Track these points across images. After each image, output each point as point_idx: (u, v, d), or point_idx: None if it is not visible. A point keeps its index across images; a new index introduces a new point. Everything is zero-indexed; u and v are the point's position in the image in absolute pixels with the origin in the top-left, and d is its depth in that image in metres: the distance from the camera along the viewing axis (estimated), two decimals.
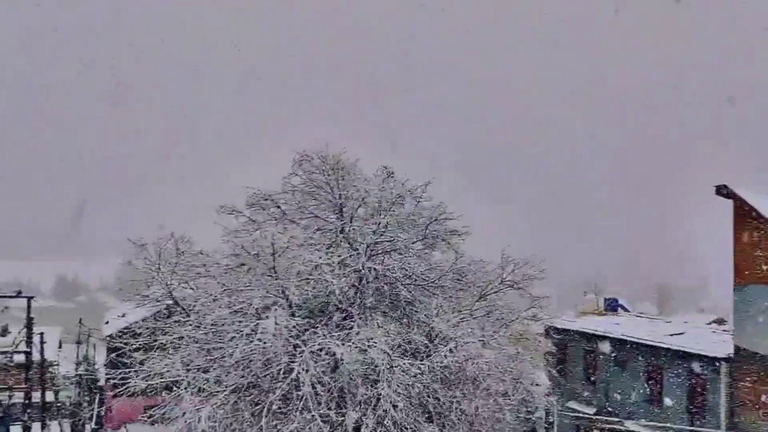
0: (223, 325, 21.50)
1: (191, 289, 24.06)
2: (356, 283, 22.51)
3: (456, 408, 21.73)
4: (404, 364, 20.39)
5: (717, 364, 30.48)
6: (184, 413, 20.19)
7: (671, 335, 35.49)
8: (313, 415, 19.41)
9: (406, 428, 20.19)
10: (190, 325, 22.51)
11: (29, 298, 26.98)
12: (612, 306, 47.85)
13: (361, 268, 21.86)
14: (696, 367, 31.90)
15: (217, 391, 20.64)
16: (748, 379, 27.31)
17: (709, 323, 50.27)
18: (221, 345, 21.41)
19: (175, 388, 21.46)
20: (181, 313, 23.61)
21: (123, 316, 30.95)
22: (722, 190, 28.65)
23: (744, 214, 27.97)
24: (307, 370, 19.55)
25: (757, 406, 26.44)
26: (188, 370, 21.62)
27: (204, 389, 20.98)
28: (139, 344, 23.82)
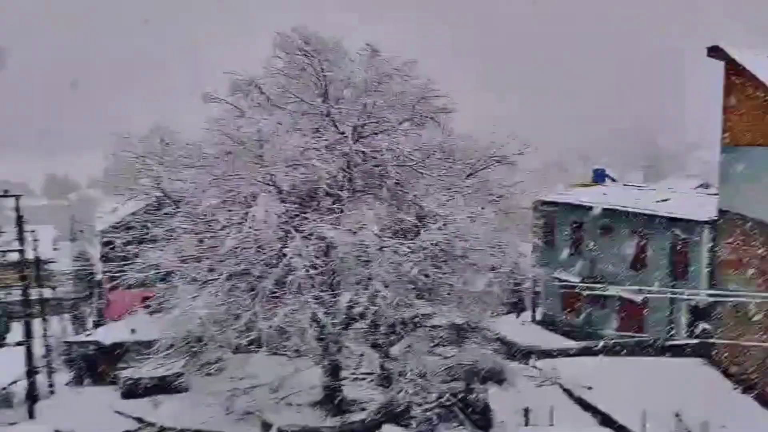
0: (213, 214, 21.60)
1: (179, 180, 23.97)
2: (344, 167, 22.43)
3: (445, 284, 22.33)
4: (394, 244, 20.73)
5: (699, 227, 31.20)
6: (181, 302, 20.67)
7: (656, 202, 36.06)
8: (306, 298, 19.94)
9: (398, 306, 20.81)
10: (181, 216, 22.63)
11: (17, 197, 26.83)
12: (599, 176, 48.29)
13: (348, 151, 21.71)
14: (679, 231, 32.65)
15: (212, 280, 21.04)
16: (730, 240, 28.01)
17: (696, 188, 51.03)
18: (213, 234, 21.61)
19: (170, 279, 21.88)
20: (171, 204, 23.67)
21: (114, 210, 30.97)
22: (714, 52, 28.10)
23: (735, 75, 27.61)
24: (299, 255, 19.88)
25: (738, 267, 27.30)
26: (182, 261, 21.95)
27: (198, 278, 21.37)
28: (132, 237, 24.06)
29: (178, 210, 22.96)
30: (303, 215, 21.27)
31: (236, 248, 20.84)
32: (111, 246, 26.65)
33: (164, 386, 27.85)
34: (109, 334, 31.50)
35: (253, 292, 20.99)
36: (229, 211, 21.11)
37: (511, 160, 25.68)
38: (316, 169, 21.47)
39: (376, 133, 22.80)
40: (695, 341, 30.99)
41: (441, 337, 25.78)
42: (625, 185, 48.00)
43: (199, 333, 21.36)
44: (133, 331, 30.55)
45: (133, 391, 28.18)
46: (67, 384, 31.39)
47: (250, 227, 19.85)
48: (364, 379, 27.39)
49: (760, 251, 26.13)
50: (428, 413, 23.40)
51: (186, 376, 24.66)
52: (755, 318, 26.04)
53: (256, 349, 20.66)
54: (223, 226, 21.10)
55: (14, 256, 28.47)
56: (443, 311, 23.42)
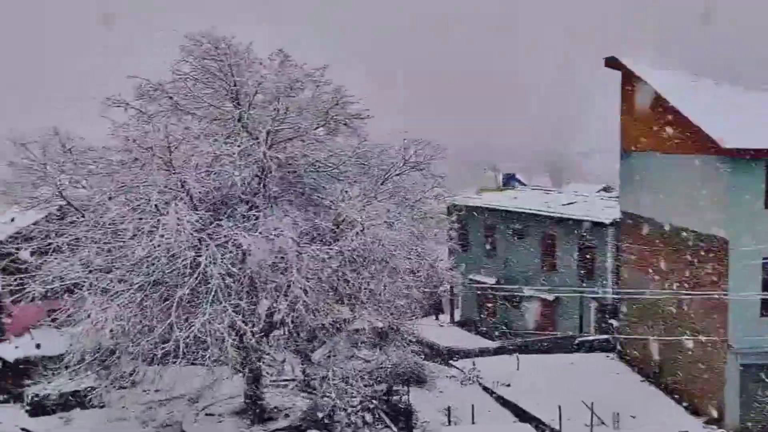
0: (122, 223, 20.78)
1: (83, 188, 22.91)
2: (259, 173, 22.12)
3: (365, 288, 22.37)
4: (312, 250, 20.59)
5: (604, 228, 32.66)
6: (89, 314, 19.78)
7: (564, 205, 37.50)
8: (224, 306, 19.50)
9: (318, 311, 20.68)
10: (86, 225, 21.66)
11: None
12: (509, 181, 49.79)
13: (262, 157, 21.41)
14: (585, 232, 34.06)
15: (122, 291, 20.24)
16: (632, 240, 29.46)
17: (598, 191, 53.40)
18: (121, 244, 20.81)
19: (77, 291, 20.90)
20: (75, 213, 22.59)
21: (12, 220, 29.30)
22: (611, 62, 29.56)
23: (631, 84, 29.12)
24: (214, 263, 19.42)
25: (640, 266, 28.73)
26: (89, 272, 21.02)
27: (108, 289, 20.51)
28: (33, 248, 22.82)
29: (83, 219, 21.96)
30: (217, 222, 20.80)
31: (147, 257, 20.14)
32: (10, 257, 25.12)
33: (76, 402, 26.68)
34: (12, 350, 29.87)
35: (167, 302, 20.32)
36: (139, 219, 20.34)
37: (424, 166, 26.05)
38: (229, 176, 21.08)
39: (290, 139, 22.60)
40: (604, 337, 32.37)
41: (362, 341, 25.82)
42: (533, 189, 49.66)
43: (111, 345, 20.51)
44: (38, 345, 29.09)
45: (41, 408, 26.79)
46: None
47: (161, 236, 19.21)
48: (286, 385, 27.09)
49: (657, 250, 27.61)
50: (352, 417, 23.37)
51: (99, 390, 23.60)
52: (656, 313, 27.48)
53: (173, 360, 19.96)
54: (132, 235, 20.32)
55: None
56: (363, 315, 23.44)
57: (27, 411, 27.12)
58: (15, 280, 22.57)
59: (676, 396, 26.21)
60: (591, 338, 32.87)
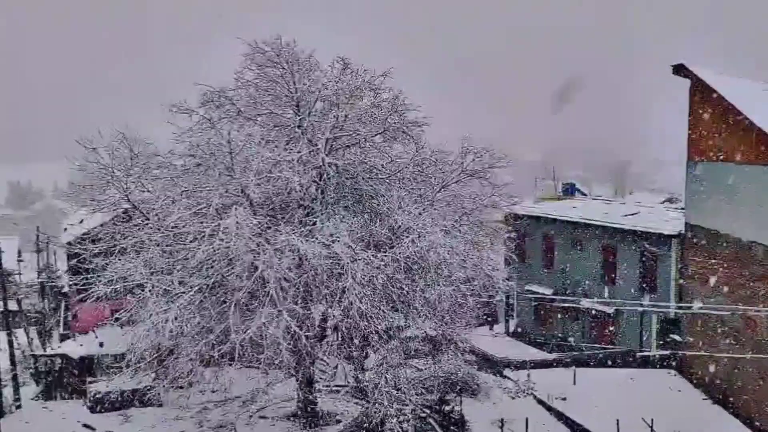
0: (183, 226, 21.31)
1: (148, 191, 23.60)
2: (317, 179, 22.35)
3: (419, 296, 22.28)
4: (367, 256, 20.64)
5: (668, 241, 31.66)
6: (151, 315, 20.31)
7: (625, 216, 36.54)
8: (279, 310, 19.72)
9: (372, 318, 20.69)
10: (150, 228, 22.28)
11: None
12: (569, 190, 48.82)
13: (321, 163, 21.63)
14: (648, 244, 33.10)
15: (182, 292, 20.71)
16: (697, 253, 28.48)
17: (662, 202, 51.86)
18: (183, 247, 21.31)
19: (139, 291, 21.49)
20: (139, 216, 23.28)
21: (81, 222, 30.37)
22: (680, 70, 28.71)
23: (700, 93, 28.21)
24: (271, 267, 19.67)
25: (705, 280, 27.74)
26: (151, 273, 21.58)
27: (168, 291, 21.02)
28: (100, 249, 23.58)
29: (147, 222, 22.60)
30: (275, 227, 21.09)
31: (207, 260, 20.57)
32: (78, 258, 26.03)
33: (135, 400, 27.43)
34: (76, 348, 30.92)
35: (224, 305, 20.70)
36: (200, 223, 20.83)
37: (483, 174, 25.80)
38: (288, 182, 21.35)
39: (348, 146, 22.78)
40: (665, 352, 31.36)
41: (415, 349, 25.74)
42: (594, 199, 48.59)
43: (170, 346, 21.00)
44: (101, 344, 30.00)
45: (102, 404, 27.69)
46: (33, 398, 30.63)
47: (221, 240, 19.59)
48: (338, 391, 27.22)
49: (725, 265, 26.61)
50: (403, 425, 23.28)
51: (157, 389, 24.25)
52: (722, 330, 26.46)
53: (229, 362, 20.31)
54: (193, 239, 20.81)
55: None
56: (417, 323, 23.37)
57: (88, 407, 28.05)
58: (81, 280, 23.38)
59: (741, 417, 25.15)
60: (651, 353, 31.92)
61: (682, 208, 31.90)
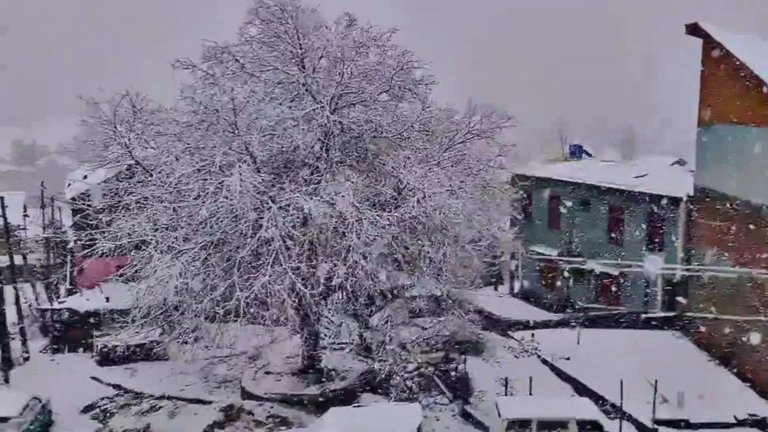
0: (187, 183, 21.17)
1: (152, 148, 23.40)
2: (322, 138, 22.08)
3: (425, 256, 22.20)
4: (372, 215, 20.50)
5: (676, 203, 31.38)
6: (155, 271, 20.32)
7: (634, 177, 36.18)
8: (284, 268, 19.69)
9: (376, 277, 20.65)
10: (154, 184, 22.16)
11: None
12: (576, 152, 48.32)
13: (326, 121, 21.33)
14: (655, 207, 32.84)
15: (187, 249, 20.68)
16: (706, 215, 28.22)
17: (672, 164, 51.31)
18: (187, 204, 21.21)
19: (143, 247, 21.48)
20: (143, 173, 23.13)
21: (85, 178, 30.28)
22: (693, 29, 28.03)
23: (712, 53, 27.59)
24: (276, 226, 19.58)
25: (713, 243, 27.55)
26: (155, 230, 21.55)
27: (173, 247, 21.00)
28: (103, 205, 23.52)
29: (151, 178, 22.46)
30: (279, 186, 20.93)
31: (211, 218, 20.49)
32: (82, 214, 26.00)
33: (141, 354, 27.76)
34: (83, 302, 31.20)
35: (229, 263, 20.68)
36: (204, 180, 20.66)
37: (489, 134, 25.46)
38: (292, 140, 21.11)
39: (353, 104, 22.43)
40: (671, 314, 31.36)
41: (420, 308, 25.79)
42: (602, 161, 48.13)
43: (175, 302, 21.07)
44: (107, 299, 30.26)
45: (109, 358, 28.11)
46: (41, 351, 31.01)
47: (225, 197, 19.46)
48: (343, 348, 27.41)
49: (734, 227, 26.37)
50: (407, 382, 23.46)
51: (163, 344, 24.47)
52: (728, 292, 26.36)
53: (234, 319, 20.38)
54: (197, 196, 20.69)
55: None
56: (422, 283, 23.35)
57: (96, 361, 28.42)
58: (86, 235, 23.36)
59: (747, 378, 25.22)
60: (657, 315, 31.92)
61: (692, 170, 31.50)
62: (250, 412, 23.07)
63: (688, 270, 29.77)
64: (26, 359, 29.43)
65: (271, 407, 23.36)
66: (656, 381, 23.03)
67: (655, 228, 33.10)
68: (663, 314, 31.89)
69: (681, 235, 31.49)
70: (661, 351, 27.85)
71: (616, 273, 34.83)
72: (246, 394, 24.40)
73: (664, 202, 32.27)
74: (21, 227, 42.47)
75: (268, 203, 19.92)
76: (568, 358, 27.54)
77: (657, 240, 33.01)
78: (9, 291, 28.98)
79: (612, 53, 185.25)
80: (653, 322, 31.26)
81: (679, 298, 31.12)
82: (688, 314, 29.57)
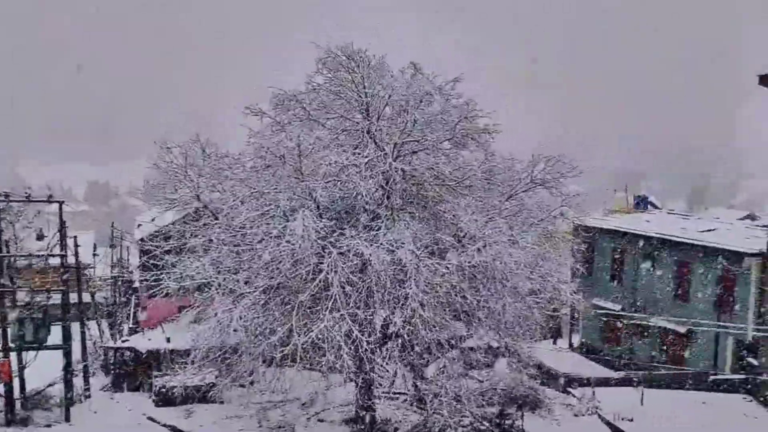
0: (251, 227, 21.60)
1: (218, 192, 24.08)
2: (383, 184, 22.25)
3: (483, 306, 21.89)
4: (432, 263, 20.41)
5: (747, 259, 30.18)
6: (216, 313, 20.65)
7: (701, 231, 35.07)
8: (342, 314, 19.71)
9: (434, 326, 20.43)
10: (219, 227, 22.69)
11: (60, 203, 27.26)
12: (641, 203, 47.23)
13: (388, 168, 21.54)
14: (725, 262, 31.65)
15: (248, 292, 20.97)
16: None
17: (741, 219, 49.64)
18: (250, 247, 21.60)
19: (206, 290, 21.89)
20: (209, 216, 23.76)
21: (153, 220, 31.31)
22: (766, 79, 27.34)
23: None
24: (335, 271, 19.69)
25: None
26: (218, 272, 21.96)
27: (234, 290, 21.33)
28: (170, 247, 24.18)
29: (217, 221, 23.03)
30: (340, 231, 21.12)
31: (273, 262, 20.77)
32: (149, 254, 26.79)
33: (198, 396, 27.98)
34: (145, 342, 31.75)
35: (288, 306, 20.85)
36: (267, 224, 21.07)
37: (553, 184, 25.18)
38: (355, 186, 21.35)
39: (416, 152, 22.62)
40: (740, 376, 29.89)
41: (477, 360, 25.30)
42: (669, 213, 46.90)
43: (233, 344, 21.29)
44: (168, 339, 30.73)
45: (166, 399, 28.34)
46: (102, 389, 31.65)
47: (287, 241, 19.76)
48: (397, 398, 27.03)
49: None
50: None
51: (219, 386, 24.64)
52: None
53: (290, 364, 20.42)
54: (260, 239, 21.07)
55: (55, 261, 28.88)
56: (480, 334, 22.97)
57: (153, 400, 28.76)
58: (152, 275, 24.02)
59: None
60: (725, 377, 30.44)
61: (765, 225, 30.35)
62: None
63: (759, 330, 28.42)
64: (87, 397, 30.05)
65: None
66: None
67: (726, 285, 31.84)
68: (732, 375, 30.42)
69: (753, 293, 30.20)
70: (730, 414, 26.50)
71: (683, 330, 33.52)
72: None
73: (734, 257, 31.09)
74: (91, 266, 43.93)
75: (329, 248, 20.11)
76: (631, 419, 26.44)
77: (727, 297, 31.72)
78: (75, 328, 29.80)
79: (692, 91, 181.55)
80: (721, 384, 29.83)
81: (750, 359, 29.66)
82: (760, 377, 28.10)
